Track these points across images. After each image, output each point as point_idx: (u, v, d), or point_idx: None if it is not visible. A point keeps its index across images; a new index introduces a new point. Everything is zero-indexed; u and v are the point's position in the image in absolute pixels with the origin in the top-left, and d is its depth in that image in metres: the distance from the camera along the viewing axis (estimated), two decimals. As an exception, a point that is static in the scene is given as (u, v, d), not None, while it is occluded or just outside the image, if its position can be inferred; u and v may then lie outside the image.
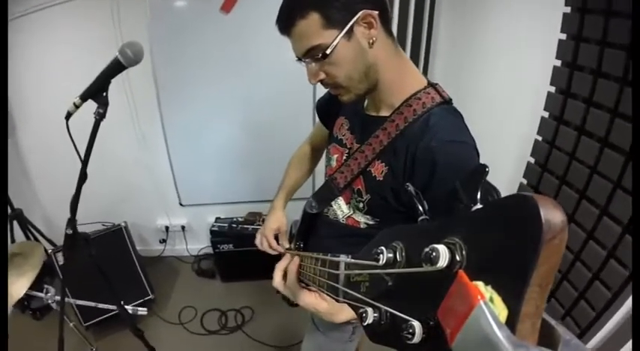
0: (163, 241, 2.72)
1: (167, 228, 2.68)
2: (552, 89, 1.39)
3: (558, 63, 1.34)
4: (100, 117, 0.89)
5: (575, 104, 1.28)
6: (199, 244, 2.77)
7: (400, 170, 0.76)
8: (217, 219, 2.49)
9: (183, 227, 2.70)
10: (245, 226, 2.41)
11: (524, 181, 1.58)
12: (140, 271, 2.14)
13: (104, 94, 0.88)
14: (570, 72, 1.28)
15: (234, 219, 2.47)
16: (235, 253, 2.39)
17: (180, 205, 2.61)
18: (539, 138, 1.48)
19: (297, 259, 0.83)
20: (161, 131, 2.32)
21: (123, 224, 2.11)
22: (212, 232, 2.38)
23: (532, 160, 1.53)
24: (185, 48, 2.08)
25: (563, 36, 1.29)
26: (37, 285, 1.34)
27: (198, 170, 2.51)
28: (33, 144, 2.29)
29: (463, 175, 0.75)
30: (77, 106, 0.88)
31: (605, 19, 1.10)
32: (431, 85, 0.79)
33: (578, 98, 1.27)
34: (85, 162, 0.93)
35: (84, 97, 0.87)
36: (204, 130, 2.37)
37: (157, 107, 2.24)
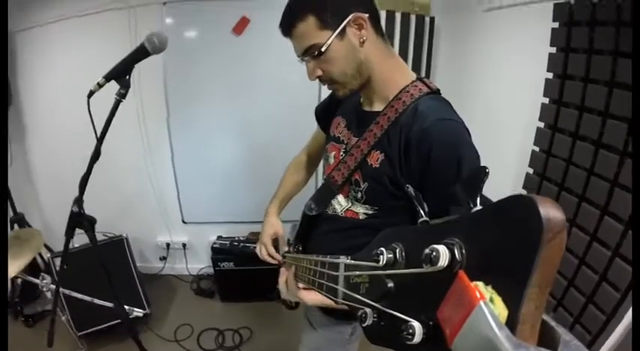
0: (163, 258, 2.69)
1: (168, 245, 2.66)
2: (546, 100, 1.45)
3: (550, 75, 1.42)
4: (120, 97, 0.94)
5: (568, 112, 1.34)
6: (199, 263, 2.73)
7: (395, 156, 0.80)
8: (219, 237, 2.48)
9: (184, 245, 2.68)
10: (247, 244, 2.39)
11: (524, 192, 1.60)
12: (138, 285, 2.10)
13: (127, 77, 0.94)
14: (561, 82, 1.35)
15: (236, 238, 2.46)
16: (236, 272, 2.34)
17: (183, 222, 2.61)
18: (536, 148, 1.52)
19: (292, 269, 0.85)
20: (168, 147, 2.39)
21: (125, 235, 2.10)
22: (213, 249, 2.35)
23: (530, 171, 1.56)
24: (196, 68, 2.21)
25: (553, 49, 1.38)
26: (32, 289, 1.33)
27: (202, 188, 2.53)
28: (42, 150, 2.35)
29: (456, 150, 0.78)
30: (100, 86, 0.94)
31: (590, 29, 1.19)
32: (419, 78, 0.86)
33: (570, 106, 1.33)
34: (100, 140, 0.97)
35: (108, 78, 0.93)
36: (211, 149, 2.44)
37: (166, 124, 2.33)
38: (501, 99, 1.74)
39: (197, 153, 2.44)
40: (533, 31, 1.46)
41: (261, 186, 2.48)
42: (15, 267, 1.09)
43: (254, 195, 2.55)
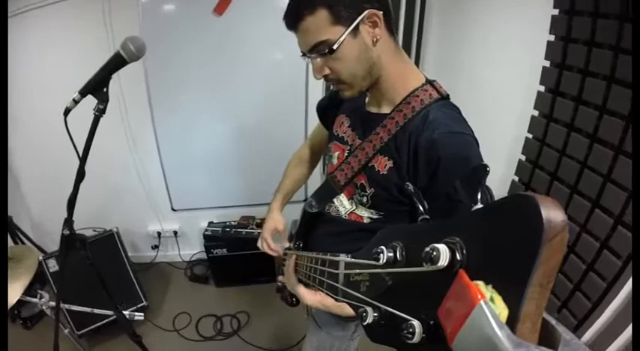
0: (155, 246, 2.67)
1: (159, 234, 2.64)
2: (542, 88, 1.43)
3: (547, 63, 1.39)
4: (99, 113, 0.88)
5: (565, 102, 1.32)
6: (192, 249, 2.73)
7: (404, 164, 0.78)
8: (210, 223, 2.47)
9: (175, 233, 2.66)
10: (238, 229, 2.39)
11: (516, 179, 1.62)
12: (133, 278, 2.10)
13: (104, 89, 0.87)
14: (559, 72, 1.33)
15: (228, 223, 2.45)
16: (229, 258, 2.36)
17: (172, 210, 2.58)
18: (530, 136, 1.52)
19: (292, 260, 0.84)
20: (152, 135, 2.30)
21: (115, 230, 2.06)
22: (205, 236, 2.35)
23: (523, 158, 1.58)
24: (177, 51, 2.08)
25: (552, 37, 1.34)
26: (28, 291, 1.30)
27: (190, 174, 2.48)
28: (23, 150, 2.24)
29: (466, 165, 0.77)
30: (76, 102, 0.86)
31: (592, 20, 1.15)
32: (429, 82, 0.82)
33: (567, 97, 1.32)
34: (83, 159, 0.91)
35: (83, 93, 0.86)
36: (195, 134, 2.36)
37: (149, 111, 2.22)
38: (495, 84, 1.71)
39: (182, 139, 2.36)
40: (532, 15, 1.41)
41: (250, 169, 2.47)
42: (16, 291, 1.06)
43: (243, 178, 2.54)
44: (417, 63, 2.13)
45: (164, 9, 1.99)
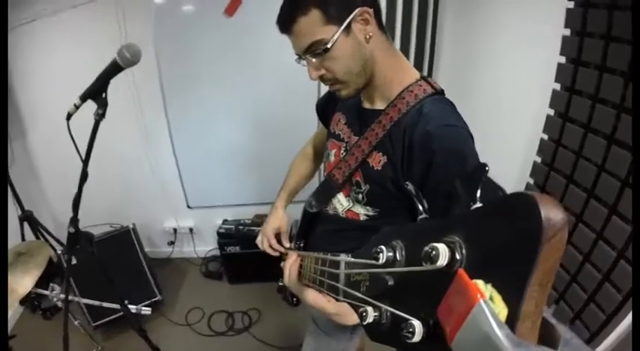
0: (171, 243, 2.76)
1: (175, 230, 2.72)
2: (557, 86, 1.36)
3: (563, 59, 1.31)
4: (99, 117, 0.91)
5: (581, 101, 1.25)
6: (207, 246, 2.79)
7: (398, 159, 0.77)
8: (224, 221, 2.51)
9: (191, 229, 2.73)
10: (252, 228, 2.42)
11: (531, 181, 1.55)
12: (148, 273, 2.17)
13: (103, 95, 0.90)
14: (575, 68, 1.25)
15: (242, 221, 2.48)
16: (242, 255, 2.40)
17: (188, 207, 2.64)
18: (545, 136, 1.45)
19: (296, 259, 0.84)
20: (167, 133, 2.36)
21: (131, 226, 2.14)
22: (219, 234, 2.39)
23: (538, 160, 1.50)
24: (190, 50, 2.11)
25: (567, 32, 1.26)
26: (45, 284, 1.38)
27: (205, 172, 2.53)
28: (43, 146, 2.35)
29: (460, 158, 0.76)
30: (77, 107, 0.90)
31: (609, 12, 1.08)
32: (423, 78, 0.82)
33: (583, 95, 1.24)
34: (85, 161, 0.95)
35: (83, 98, 0.90)
36: (210, 132, 2.40)
37: (163, 109, 2.28)
38: (510, 82, 1.63)
39: (197, 138, 2.41)
40: (547, 10, 1.34)
41: (264, 167, 2.49)
42: (26, 284, 1.13)
43: (258, 177, 2.56)
44: (431, 62, 2.07)
45: (177, 10, 2.02)
